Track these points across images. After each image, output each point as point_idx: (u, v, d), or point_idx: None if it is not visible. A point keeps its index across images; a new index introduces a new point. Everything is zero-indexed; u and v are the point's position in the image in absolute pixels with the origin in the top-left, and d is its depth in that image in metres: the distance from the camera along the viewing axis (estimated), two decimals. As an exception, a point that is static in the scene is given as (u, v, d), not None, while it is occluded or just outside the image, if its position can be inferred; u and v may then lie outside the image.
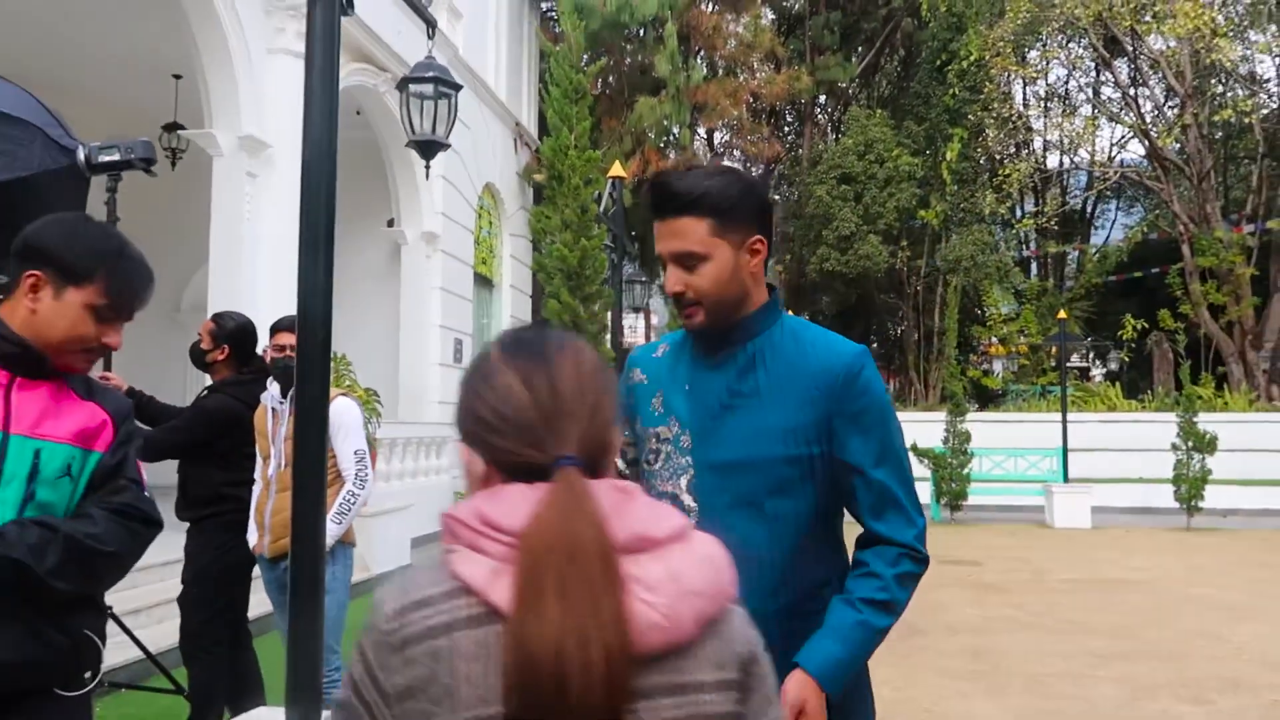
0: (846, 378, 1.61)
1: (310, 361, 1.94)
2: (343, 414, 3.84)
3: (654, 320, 27.70)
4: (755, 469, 1.61)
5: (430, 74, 4.42)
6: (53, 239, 1.76)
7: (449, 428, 12.79)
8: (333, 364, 8.19)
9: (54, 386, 1.78)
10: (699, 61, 21.01)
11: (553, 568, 0.88)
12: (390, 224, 12.70)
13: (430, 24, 2.98)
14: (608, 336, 9.85)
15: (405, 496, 9.90)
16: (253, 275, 8.22)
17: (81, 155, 3.16)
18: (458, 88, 4.56)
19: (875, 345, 28.20)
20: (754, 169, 28.16)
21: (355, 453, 3.82)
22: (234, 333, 4.15)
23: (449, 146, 4.92)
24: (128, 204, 12.14)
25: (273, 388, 3.91)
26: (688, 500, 1.66)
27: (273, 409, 3.88)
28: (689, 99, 18.45)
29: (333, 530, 3.66)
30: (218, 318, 4.21)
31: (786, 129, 28.14)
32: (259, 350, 4.36)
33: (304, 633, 1.97)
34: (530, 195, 16.89)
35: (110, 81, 10.39)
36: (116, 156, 3.72)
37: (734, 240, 1.61)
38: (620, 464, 1.84)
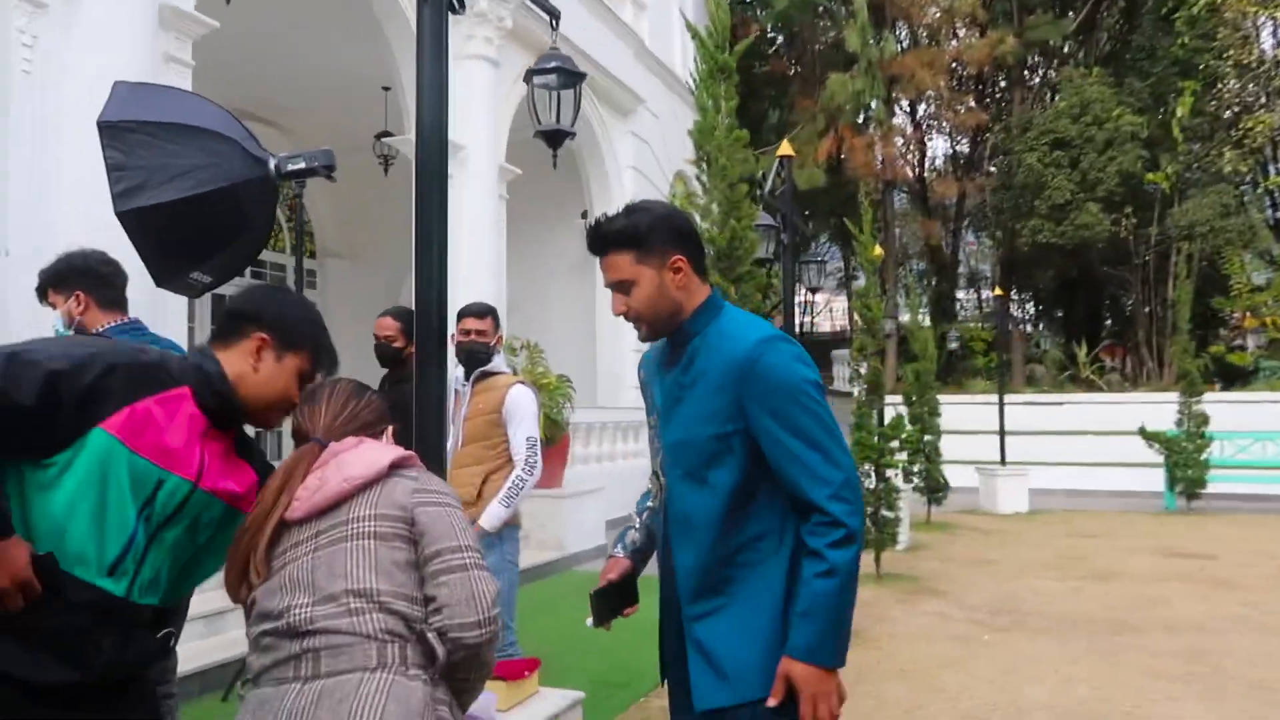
0: (745, 365, 1.86)
1: (427, 349, 2.06)
2: (518, 400, 3.98)
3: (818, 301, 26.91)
4: (692, 447, 1.93)
5: (553, 64, 4.49)
6: (279, 308, 1.91)
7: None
8: (526, 351, 8.53)
9: (228, 440, 1.86)
10: (894, 33, 20.21)
11: (271, 482, 1.79)
12: (584, 216, 13.07)
13: (553, 15, 3.05)
14: (778, 319, 9.70)
15: (600, 479, 10.18)
16: (452, 272, 8.70)
17: (272, 165, 3.48)
18: (582, 76, 4.60)
19: (1109, 322, 26.21)
20: (960, 140, 26.83)
21: (527, 439, 3.95)
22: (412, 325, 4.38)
23: (574, 135, 4.98)
24: (352, 209, 13.15)
25: (457, 371, 4.11)
26: (662, 477, 2.01)
27: (455, 390, 4.07)
28: (883, 72, 17.80)
29: (499, 513, 3.82)
30: (399, 315, 4.37)
31: (998, 95, 26.59)
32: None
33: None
34: (723, 181, 16.91)
35: (331, 97, 11.29)
36: (302, 165, 4.05)
37: (654, 264, 1.94)
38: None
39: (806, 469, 1.82)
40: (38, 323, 4.82)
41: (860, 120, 19.68)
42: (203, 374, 1.80)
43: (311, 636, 1.62)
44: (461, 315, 4.09)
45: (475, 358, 4.03)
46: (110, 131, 3.51)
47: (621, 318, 1.99)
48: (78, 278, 3.03)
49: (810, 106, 18.63)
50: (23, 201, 4.93)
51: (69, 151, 4.98)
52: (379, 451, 1.78)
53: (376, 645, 1.60)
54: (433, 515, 1.69)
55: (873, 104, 18.62)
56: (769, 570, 1.89)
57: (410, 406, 4.22)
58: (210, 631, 4.94)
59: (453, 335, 4.51)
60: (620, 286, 1.96)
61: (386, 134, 11.62)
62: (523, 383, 4.12)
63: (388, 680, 1.58)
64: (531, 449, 3.97)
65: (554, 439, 8.58)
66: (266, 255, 11.37)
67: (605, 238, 1.96)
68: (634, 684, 4.91)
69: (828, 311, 39.12)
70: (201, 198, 3.62)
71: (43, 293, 3.16)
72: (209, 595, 4.37)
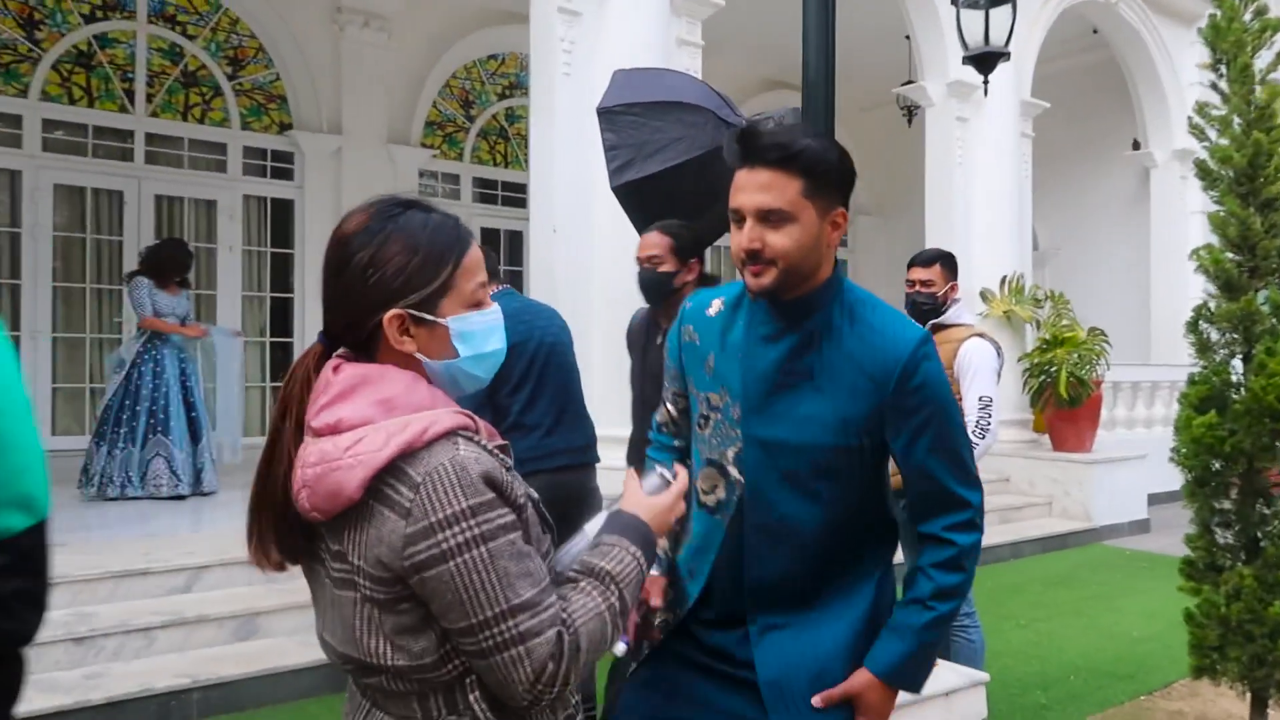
0: (903, 372, 1.56)
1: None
2: (973, 355, 3.74)
3: None
4: (802, 452, 1.60)
5: (982, -28, 3.93)
6: None
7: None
8: (1051, 303, 7.92)
9: None
10: None
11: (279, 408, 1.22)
12: (1135, 146, 11.54)
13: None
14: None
15: (1143, 445, 9.06)
16: (965, 216, 8.34)
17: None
18: (1014, -15, 3.96)
19: None
20: None
21: (980, 398, 3.69)
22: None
23: (1008, 56, 4.32)
24: (878, 164, 13.18)
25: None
26: (734, 472, 1.65)
27: None
28: None
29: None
30: (670, 229, 3.41)
31: None
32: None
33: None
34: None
35: (854, 54, 11.35)
36: (770, 126, 4.26)
37: (821, 206, 1.57)
38: (671, 410, 1.90)
39: (951, 497, 1.63)
40: (582, 293, 5.71)
41: None
42: None
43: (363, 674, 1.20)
44: (910, 265, 3.96)
45: (919, 310, 3.90)
46: (606, 117, 4.03)
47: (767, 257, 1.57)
48: None
49: None
50: (568, 187, 5.84)
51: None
52: (361, 439, 1.11)
53: (418, 699, 1.17)
54: (434, 582, 1.09)
55: None
56: (861, 586, 1.67)
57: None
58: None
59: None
60: (771, 216, 1.54)
61: (909, 83, 11.45)
62: (981, 335, 3.85)
63: None
64: (985, 409, 3.67)
65: (1079, 399, 7.84)
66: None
67: (775, 149, 1.53)
68: (1139, 676, 4.40)
69: None
70: (678, 168, 3.98)
71: None
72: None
